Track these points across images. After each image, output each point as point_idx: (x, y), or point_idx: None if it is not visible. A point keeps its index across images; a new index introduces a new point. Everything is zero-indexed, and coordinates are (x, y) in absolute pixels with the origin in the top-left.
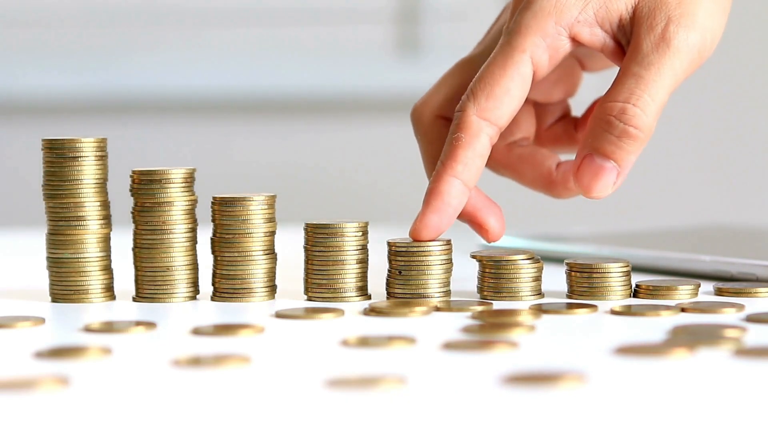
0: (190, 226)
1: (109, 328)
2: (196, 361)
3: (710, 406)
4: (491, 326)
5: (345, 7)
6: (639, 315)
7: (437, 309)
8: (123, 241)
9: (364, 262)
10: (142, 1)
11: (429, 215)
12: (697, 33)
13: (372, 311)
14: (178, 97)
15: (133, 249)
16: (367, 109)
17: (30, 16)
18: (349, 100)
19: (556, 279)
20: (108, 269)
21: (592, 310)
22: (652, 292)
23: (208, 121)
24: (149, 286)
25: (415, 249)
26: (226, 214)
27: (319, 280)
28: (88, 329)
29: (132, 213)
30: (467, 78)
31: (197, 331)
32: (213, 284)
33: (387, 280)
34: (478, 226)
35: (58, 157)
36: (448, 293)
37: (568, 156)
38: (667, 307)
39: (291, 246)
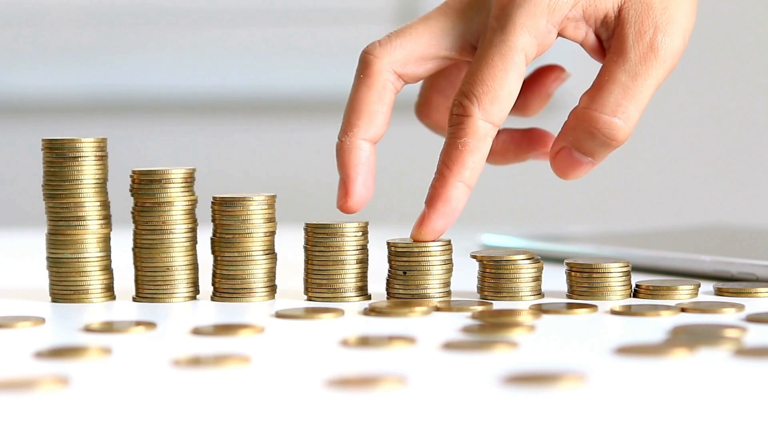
0: (190, 226)
1: (109, 328)
2: (196, 361)
3: (710, 406)
4: (491, 326)
5: (345, 7)
6: (639, 315)
7: (437, 309)
8: (123, 241)
9: (364, 262)
10: (142, 1)
11: (436, 220)
12: (680, 38)
13: (372, 311)
14: (178, 97)
15: (133, 249)
16: None
17: (30, 16)
18: None
19: (556, 279)
20: (108, 269)
21: (592, 310)
22: (652, 292)
23: (208, 121)
24: (149, 286)
25: (415, 249)
26: (226, 214)
27: (319, 280)
28: (88, 329)
29: (132, 213)
30: (440, 38)
31: (197, 331)
32: (213, 284)
33: (387, 280)
34: (344, 190)
35: (58, 157)
36: (448, 293)
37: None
38: (667, 307)
39: (291, 246)
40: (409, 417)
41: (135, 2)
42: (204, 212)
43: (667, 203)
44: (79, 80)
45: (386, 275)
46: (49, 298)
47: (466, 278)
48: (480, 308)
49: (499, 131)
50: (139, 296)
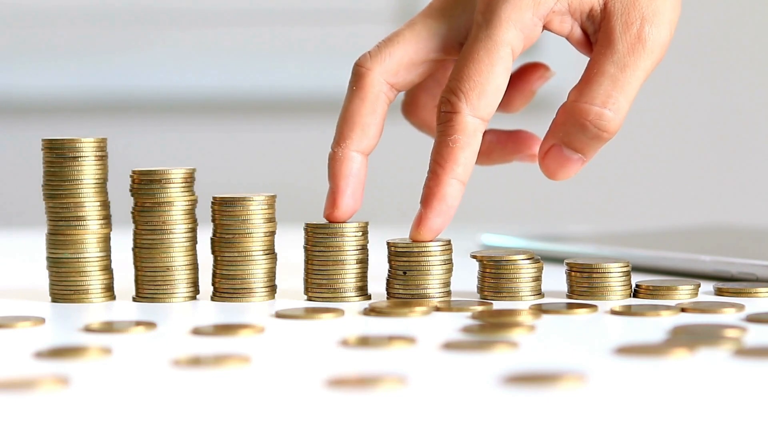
0: (190, 226)
1: (109, 328)
2: (196, 361)
3: (710, 406)
4: (491, 326)
5: (345, 7)
6: (639, 315)
7: (437, 309)
8: (123, 241)
9: (364, 262)
10: (142, 1)
11: (433, 218)
12: (666, 30)
13: (372, 311)
14: (178, 97)
15: (133, 249)
16: None
17: (30, 16)
18: None
19: (556, 279)
20: (108, 269)
21: (592, 310)
22: (652, 292)
23: (208, 121)
24: (149, 286)
25: (415, 250)
26: (226, 214)
27: (319, 280)
28: (88, 329)
29: (132, 213)
30: (428, 43)
31: (197, 331)
32: (213, 284)
33: (387, 280)
34: (332, 200)
35: (58, 157)
36: (448, 293)
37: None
38: (667, 307)
39: (291, 246)
40: (409, 417)
41: (135, 2)
42: (204, 212)
43: (667, 203)
44: (79, 80)
45: (386, 275)
46: (49, 298)
47: (466, 278)
48: (480, 308)
49: (484, 132)
50: (139, 296)
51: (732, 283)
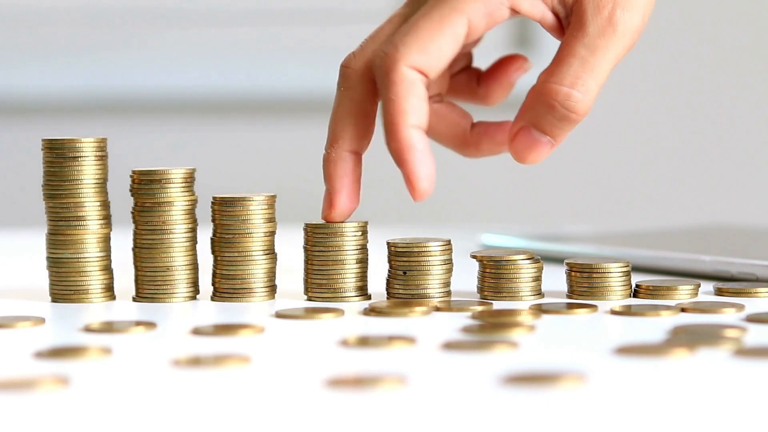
0: (190, 226)
1: (109, 328)
2: (196, 361)
3: (710, 406)
4: (491, 326)
5: (344, 7)
6: (639, 315)
7: (437, 309)
8: (123, 241)
9: (363, 262)
10: (142, 1)
11: (417, 170)
12: (638, 15)
13: (372, 311)
14: (178, 97)
15: (133, 249)
16: None
17: (30, 16)
18: None
19: (556, 279)
20: (108, 269)
21: (592, 310)
22: (652, 292)
23: (208, 121)
24: (149, 286)
25: (415, 250)
26: (226, 214)
27: (319, 280)
28: (88, 329)
29: (132, 213)
30: None
31: (197, 331)
32: (213, 284)
33: (387, 280)
34: (329, 201)
35: (58, 157)
36: (448, 293)
37: (470, 108)
38: (667, 307)
39: (291, 246)
40: (409, 417)
41: (135, 2)
42: (204, 212)
43: (668, 203)
44: (79, 80)
45: (386, 275)
46: (49, 298)
47: (466, 278)
48: (480, 308)
49: (473, 124)
50: (139, 296)
51: (732, 283)
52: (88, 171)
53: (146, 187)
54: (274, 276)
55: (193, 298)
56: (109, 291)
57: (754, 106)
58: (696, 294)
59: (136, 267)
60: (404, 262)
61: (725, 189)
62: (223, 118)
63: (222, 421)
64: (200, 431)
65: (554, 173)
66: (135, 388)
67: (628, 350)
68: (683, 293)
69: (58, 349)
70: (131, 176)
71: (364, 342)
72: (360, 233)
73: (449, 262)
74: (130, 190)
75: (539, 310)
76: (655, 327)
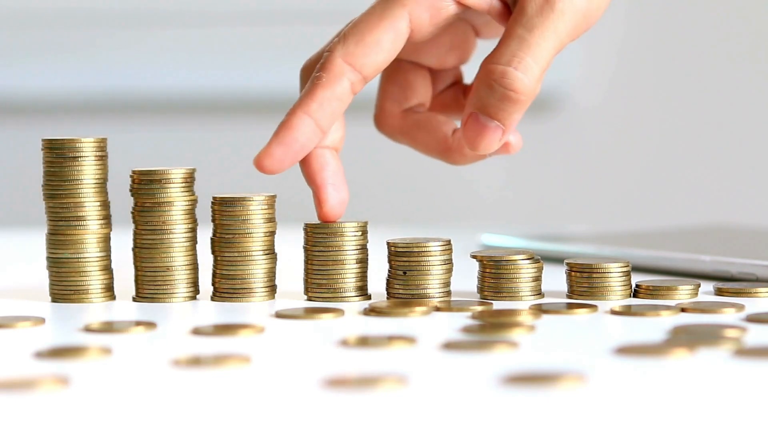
0: (190, 226)
1: (109, 328)
2: (196, 361)
3: (710, 406)
4: (491, 326)
5: (344, 8)
6: (639, 315)
7: (437, 309)
8: (123, 241)
9: (363, 262)
10: (142, 1)
11: (274, 147)
12: None
13: (372, 311)
14: (178, 97)
15: (133, 249)
16: (366, 109)
17: (29, 16)
18: None
19: (556, 279)
20: (108, 269)
21: (592, 310)
22: (652, 292)
23: (208, 121)
24: (149, 286)
25: (416, 250)
26: (226, 214)
27: (319, 280)
28: (88, 329)
29: (132, 213)
30: None
31: (197, 331)
32: (213, 284)
33: (387, 280)
34: (317, 199)
35: (58, 157)
36: (448, 293)
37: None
38: (667, 307)
39: (291, 246)
40: (409, 417)
41: (134, 2)
42: (204, 212)
43: (667, 203)
44: (79, 80)
45: (386, 275)
46: (49, 298)
47: (466, 278)
48: (480, 308)
49: (454, 130)
50: (139, 296)
51: (732, 283)
52: (88, 171)
53: (146, 187)
54: (274, 276)
55: (193, 298)
56: (109, 291)
57: (754, 107)
58: (696, 294)
59: (136, 267)
60: (404, 262)
61: (725, 189)
62: (223, 118)
63: (222, 421)
64: (200, 431)
65: (554, 173)
66: (135, 388)
67: (628, 350)
68: (683, 293)
69: (58, 349)
70: (131, 176)
71: (364, 342)
72: (360, 233)
73: (449, 262)
74: (130, 190)
75: (539, 310)
76: (655, 327)
